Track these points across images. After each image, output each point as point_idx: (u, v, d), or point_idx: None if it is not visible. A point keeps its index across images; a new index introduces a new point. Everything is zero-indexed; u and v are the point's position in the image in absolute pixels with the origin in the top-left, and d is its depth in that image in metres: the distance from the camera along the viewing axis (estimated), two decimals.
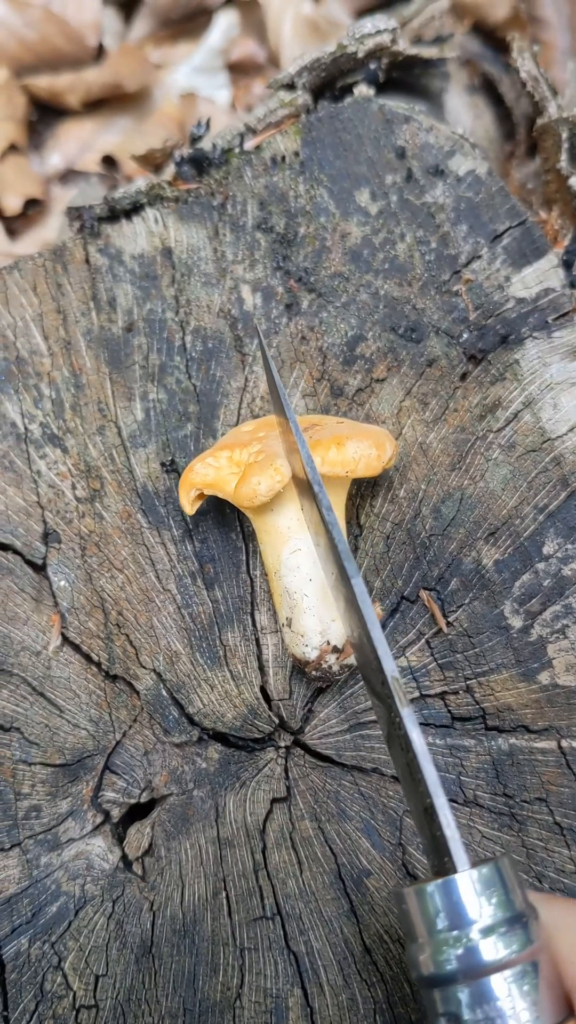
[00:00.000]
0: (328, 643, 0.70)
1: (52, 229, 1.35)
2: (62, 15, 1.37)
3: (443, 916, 0.51)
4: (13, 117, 1.38)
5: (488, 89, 1.36)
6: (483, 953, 0.49)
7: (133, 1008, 0.69)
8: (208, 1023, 0.69)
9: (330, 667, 0.70)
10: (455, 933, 0.51)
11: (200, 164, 0.86)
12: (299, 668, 0.72)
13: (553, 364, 0.79)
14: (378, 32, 0.89)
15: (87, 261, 0.84)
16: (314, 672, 0.70)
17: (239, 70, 1.50)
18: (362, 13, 1.47)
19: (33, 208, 1.37)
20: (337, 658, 0.70)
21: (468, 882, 0.51)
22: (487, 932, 0.50)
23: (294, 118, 0.88)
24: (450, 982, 0.50)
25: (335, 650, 0.70)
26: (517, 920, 0.51)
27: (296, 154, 0.86)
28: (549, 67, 1.46)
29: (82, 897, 0.72)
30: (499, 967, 0.49)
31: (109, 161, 1.40)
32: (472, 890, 0.51)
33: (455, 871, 0.52)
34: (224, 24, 1.47)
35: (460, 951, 0.50)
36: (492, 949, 0.49)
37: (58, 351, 0.82)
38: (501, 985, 0.49)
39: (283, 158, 0.86)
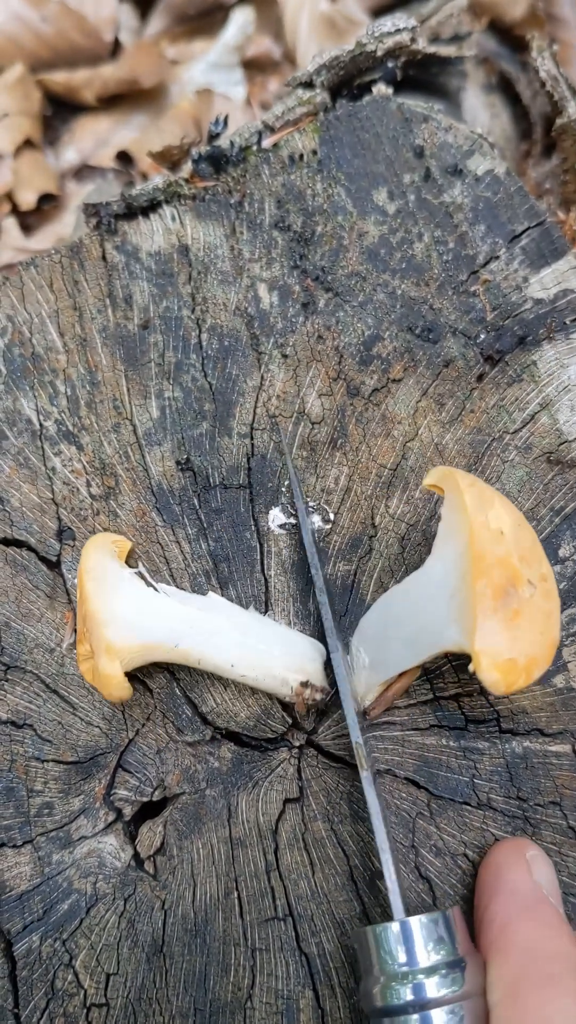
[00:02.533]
0: (304, 682, 0.72)
1: (67, 225, 1.35)
2: (79, 10, 1.37)
3: (393, 955, 0.60)
4: (28, 112, 1.38)
5: (505, 88, 1.36)
6: (427, 990, 0.57)
7: (144, 1007, 0.69)
8: (219, 1023, 0.69)
9: (314, 698, 0.72)
10: (404, 970, 0.59)
11: (218, 161, 0.86)
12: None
13: (571, 366, 0.79)
14: (397, 31, 0.89)
15: (104, 258, 0.84)
16: (303, 709, 0.72)
17: (255, 67, 1.50)
18: (379, 11, 1.47)
19: (48, 204, 1.37)
20: (313, 690, 0.72)
21: (418, 927, 0.60)
22: (430, 972, 0.58)
23: (312, 116, 0.87)
24: (397, 1013, 0.58)
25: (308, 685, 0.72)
26: (457, 964, 0.59)
27: (314, 152, 0.86)
28: (566, 66, 1.45)
29: (94, 895, 0.72)
30: (439, 1003, 0.57)
31: (124, 157, 1.40)
32: (420, 934, 0.60)
33: (401, 917, 0.61)
34: (240, 20, 1.47)
35: (407, 987, 0.58)
36: (434, 987, 0.57)
37: (74, 348, 0.82)
38: (440, 1018, 0.57)
39: (301, 156, 0.86)
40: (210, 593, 0.73)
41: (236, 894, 0.71)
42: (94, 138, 1.43)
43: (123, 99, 1.44)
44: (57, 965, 0.70)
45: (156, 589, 0.71)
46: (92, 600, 0.68)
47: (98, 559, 0.70)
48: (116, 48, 1.46)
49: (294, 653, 0.71)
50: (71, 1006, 0.69)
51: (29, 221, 1.37)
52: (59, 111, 1.46)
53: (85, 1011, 0.69)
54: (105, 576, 0.69)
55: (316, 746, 0.74)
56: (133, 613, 0.68)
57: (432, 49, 0.97)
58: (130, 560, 0.76)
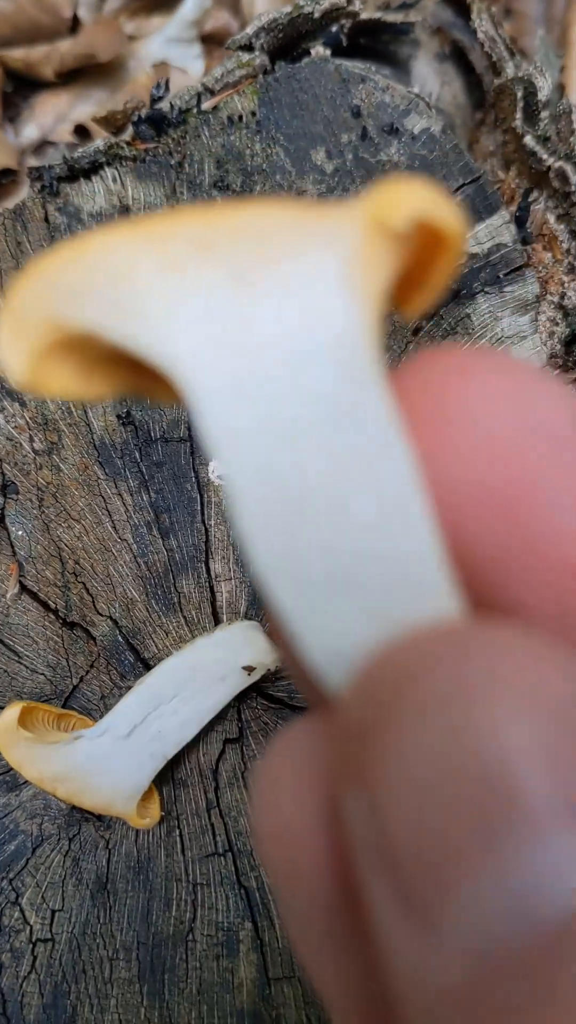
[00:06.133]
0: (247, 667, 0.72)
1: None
2: None
3: None
4: None
5: (459, 58, 1.37)
6: None
7: (88, 941, 0.71)
8: (162, 955, 0.71)
9: (260, 674, 0.72)
10: None
11: (158, 124, 0.87)
12: None
13: (504, 318, 0.81)
14: None
15: (46, 219, 0.85)
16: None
17: (213, 41, 1.51)
18: None
19: (7, 179, 1.39)
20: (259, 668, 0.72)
21: None
22: None
23: (251, 79, 0.89)
24: None
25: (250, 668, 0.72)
26: None
27: (253, 114, 0.87)
28: (521, 36, 1.47)
29: (39, 835, 0.74)
30: None
31: (82, 131, 1.41)
32: None
33: None
34: None
35: None
36: None
37: None
38: None
39: (240, 118, 0.87)
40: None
41: (178, 832, 0.73)
42: (54, 113, 1.44)
43: (82, 75, 1.45)
44: (3, 903, 0.72)
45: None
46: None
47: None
48: (75, 24, 1.46)
49: (234, 660, 0.71)
50: (17, 942, 0.71)
51: None
52: (20, 88, 1.47)
53: (31, 946, 0.71)
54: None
55: (256, 687, 0.76)
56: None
57: (371, 14, 0.98)
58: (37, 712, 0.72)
